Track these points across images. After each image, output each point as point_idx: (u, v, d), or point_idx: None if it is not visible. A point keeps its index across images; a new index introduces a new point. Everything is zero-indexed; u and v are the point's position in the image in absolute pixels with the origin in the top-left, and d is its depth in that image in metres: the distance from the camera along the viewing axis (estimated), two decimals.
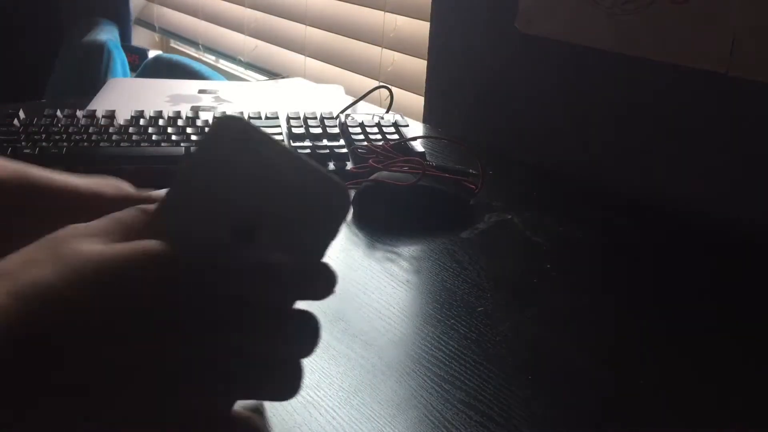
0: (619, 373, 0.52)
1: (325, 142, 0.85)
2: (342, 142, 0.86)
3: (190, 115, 0.90)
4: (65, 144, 0.80)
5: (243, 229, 0.32)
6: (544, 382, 0.50)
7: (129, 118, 0.87)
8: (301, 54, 1.50)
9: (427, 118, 1.13)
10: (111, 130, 0.84)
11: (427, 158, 0.85)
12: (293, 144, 0.84)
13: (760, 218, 0.75)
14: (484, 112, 1.03)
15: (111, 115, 0.87)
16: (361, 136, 0.87)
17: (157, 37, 2.12)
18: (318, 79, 1.39)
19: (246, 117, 0.90)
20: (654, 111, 0.82)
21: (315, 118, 0.91)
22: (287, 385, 0.33)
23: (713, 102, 0.77)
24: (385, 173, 0.75)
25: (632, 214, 0.80)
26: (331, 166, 0.83)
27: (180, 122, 0.87)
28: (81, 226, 0.32)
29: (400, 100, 1.19)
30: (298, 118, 0.91)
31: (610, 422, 0.47)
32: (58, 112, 0.87)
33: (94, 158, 0.79)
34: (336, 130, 0.88)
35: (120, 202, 0.37)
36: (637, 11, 0.80)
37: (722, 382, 0.51)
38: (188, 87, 1.14)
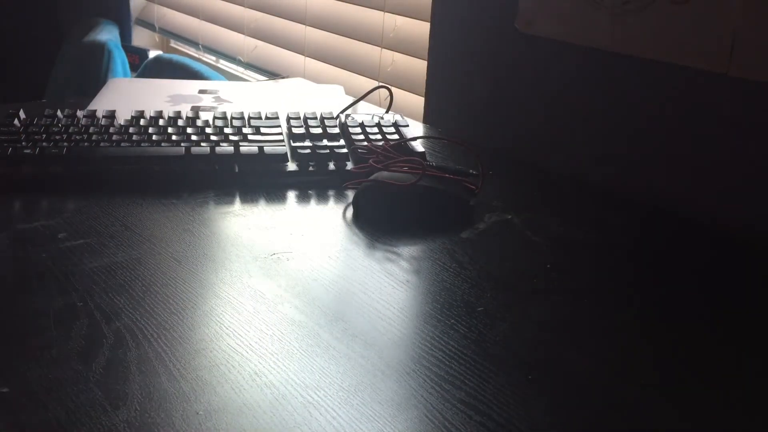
0: (619, 373, 0.52)
1: (325, 142, 0.85)
2: (342, 142, 0.86)
3: (190, 115, 0.90)
4: (65, 144, 0.80)
5: None
6: (544, 382, 0.50)
7: (129, 118, 0.87)
8: (301, 54, 1.50)
9: (427, 118, 1.13)
10: (111, 130, 0.84)
11: (427, 158, 0.85)
12: (293, 144, 0.85)
13: (760, 219, 0.75)
14: (484, 112, 1.03)
15: (111, 115, 0.87)
16: (361, 136, 0.87)
17: (157, 37, 2.12)
18: (318, 79, 1.39)
19: (246, 116, 0.90)
20: (654, 111, 0.82)
21: (315, 118, 0.91)
22: None
23: (713, 102, 0.77)
24: (385, 173, 0.75)
25: (632, 214, 0.80)
26: (332, 166, 0.83)
27: (180, 122, 0.87)
28: None
29: (400, 100, 1.19)
30: (298, 118, 0.91)
31: (610, 422, 0.47)
32: (59, 112, 0.87)
33: (95, 158, 0.79)
34: (336, 130, 0.88)
35: None
36: (637, 11, 0.80)
37: (723, 383, 0.51)
38: (188, 87, 1.14)
